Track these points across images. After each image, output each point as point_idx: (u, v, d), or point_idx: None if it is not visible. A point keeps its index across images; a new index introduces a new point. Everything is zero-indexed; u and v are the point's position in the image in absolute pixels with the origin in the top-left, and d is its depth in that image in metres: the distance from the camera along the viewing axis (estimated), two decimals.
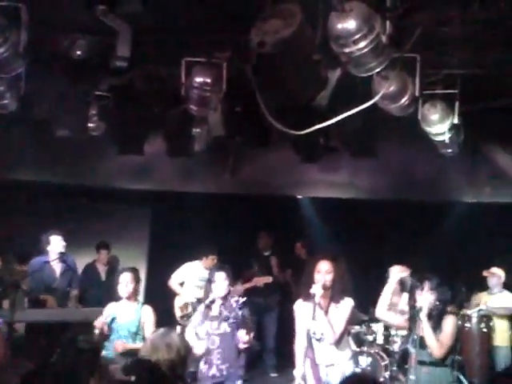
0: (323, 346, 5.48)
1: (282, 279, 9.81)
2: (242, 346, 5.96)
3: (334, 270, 5.47)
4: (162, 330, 3.79)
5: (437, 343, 5.21)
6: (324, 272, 5.44)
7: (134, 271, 6.28)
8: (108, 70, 4.74)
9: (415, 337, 5.33)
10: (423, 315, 5.25)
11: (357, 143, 6.64)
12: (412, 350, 5.42)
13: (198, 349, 6.00)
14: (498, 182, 7.64)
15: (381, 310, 5.77)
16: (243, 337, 5.90)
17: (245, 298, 6.24)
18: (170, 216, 9.44)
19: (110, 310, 6.20)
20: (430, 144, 6.40)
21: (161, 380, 3.34)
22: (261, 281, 9.00)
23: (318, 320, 5.33)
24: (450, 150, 6.55)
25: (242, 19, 4.55)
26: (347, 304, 5.53)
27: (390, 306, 8.47)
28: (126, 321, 6.09)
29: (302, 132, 4.47)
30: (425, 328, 5.23)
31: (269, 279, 9.03)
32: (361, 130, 6.06)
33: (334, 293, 5.51)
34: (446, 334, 5.27)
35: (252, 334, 6.14)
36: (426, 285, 5.35)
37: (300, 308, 5.58)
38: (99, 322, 6.01)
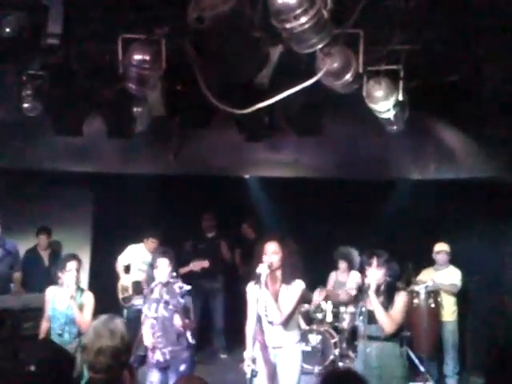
0: (272, 328, 5.48)
1: (230, 260, 9.74)
2: (179, 325, 5.94)
3: (281, 251, 5.45)
4: (104, 316, 3.64)
5: (388, 319, 5.23)
6: (271, 252, 5.43)
7: (79, 259, 6.28)
8: (40, 48, 4.50)
9: (363, 310, 5.36)
10: (371, 292, 5.26)
11: (301, 121, 6.56)
12: (360, 324, 5.45)
13: (146, 339, 5.95)
14: (443, 158, 7.67)
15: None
16: (177, 322, 5.88)
17: (189, 287, 6.16)
18: (112, 198, 9.23)
19: (51, 294, 6.22)
20: (375, 121, 6.35)
21: (67, 364, 3.19)
22: (198, 265, 8.87)
23: (266, 301, 5.29)
24: (395, 127, 6.52)
25: None
26: (298, 286, 5.51)
27: (336, 284, 8.59)
28: (64, 307, 6.09)
29: (245, 111, 4.34)
30: (374, 304, 5.26)
31: (206, 263, 8.88)
32: (305, 108, 5.97)
33: (285, 274, 5.49)
34: (398, 309, 5.29)
35: (188, 320, 6.09)
36: (375, 261, 5.37)
37: (251, 290, 5.52)
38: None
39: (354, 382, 3.49)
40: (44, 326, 6.25)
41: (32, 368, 2.94)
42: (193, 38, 4.00)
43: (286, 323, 5.47)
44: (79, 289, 6.18)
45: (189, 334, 6.02)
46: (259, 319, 5.31)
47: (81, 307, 6.07)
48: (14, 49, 4.40)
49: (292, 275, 5.49)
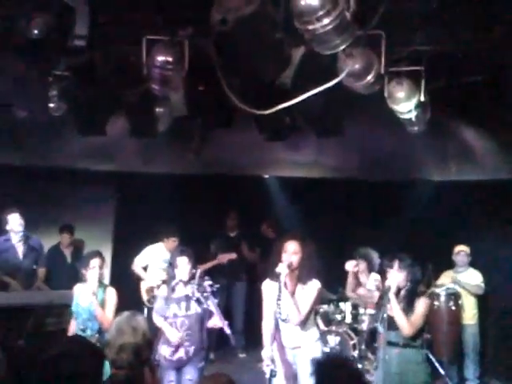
0: (289, 328, 5.48)
1: (252, 259, 9.78)
2: (212, 325, 5.94)
3: (301, 251, 5.45)
4: (127, 313, 3.69)
5: (407, 323, 5.19)
6: (291, 252, 5.42)
7: (102, 256, 6.32)
8: (67, 49, 4.58)
9: (384, 315, 5.31)
10: (391, 294, 5.23)
11: (322, 122, 6.57)
12: (381, 329, 5.41)
13: (172, 336, 5.96)
14: (464, 159, 7.65)
15: (348, 291, 5.74)
16: (217, 323, 5.88)
17: (218, 285, 6.17)
18: (134, 197, 9.31)
19: (77, 291, 6.26)
20: (396, 122, 6.35)
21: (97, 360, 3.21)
22: (225, 257, 8.93)
23: (284, 300, 5.32)
24: (416, 128, 6.51)
25: None
26: (314, 286, 5.51)
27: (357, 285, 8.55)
28: (87, 304, 6.13)
29: (267, 112, 4.37)
30: (394, 307, 5.21)
31: (233, 255, 8.94)
32: (326, 109, 6.00)
33: (301, 274, 5.49)
34: (417, 315, 5.25)
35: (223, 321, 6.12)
36: (396, 264, 5.33)
37: (267, 288, 5.55)
38: None
39: (348, 372, 3.49)
40: (72, 322, 6.31)
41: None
42: (215, 39, 4.03)
43: (304, 323, 5.48)
44: (102, 285, 6.22)
45: (227, 328, 5.96)
46: (276, 318, 5.34)
47: (103, 304, 6.09)
48: (41, 50, 4.47)
49: (309, 275, 5.50)
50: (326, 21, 3.78)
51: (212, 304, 5.88)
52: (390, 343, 5.29)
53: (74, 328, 6.24)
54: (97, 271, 6.11)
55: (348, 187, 9.06)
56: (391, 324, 5.26)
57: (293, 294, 5.45)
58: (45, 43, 4.29)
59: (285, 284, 5.29)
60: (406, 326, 5.18)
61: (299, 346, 5.50)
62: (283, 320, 5.42)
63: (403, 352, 5.26)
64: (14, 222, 7.67)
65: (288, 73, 4.86)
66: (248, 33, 3.90)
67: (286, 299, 5.34)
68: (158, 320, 6.14)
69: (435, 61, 5.54)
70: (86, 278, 6.14)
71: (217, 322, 5.91)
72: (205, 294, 5.91)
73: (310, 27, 3.81)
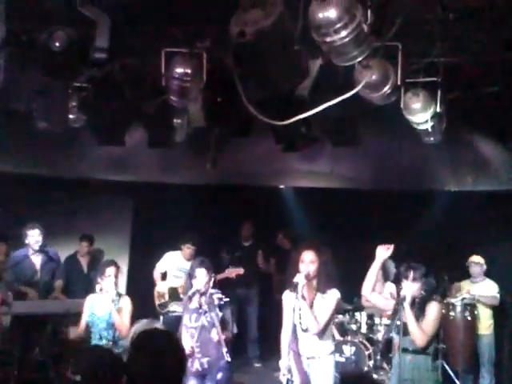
0: (307, 337, 5.47)
1: (266, 270, 9.81)
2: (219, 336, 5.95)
3: (317, 260, 5.45)
4: (146, 320, 3.74)
5: (419, 331, 5.19)
6: (308, 262, 5.43)
7: (117, 265, 6.39)
8: (87, 61, 4.66)
9: (398, 323, 5.32)
10: (406, 304, 5.24)
11: (338, 132, 6.61)
12: (395, 336, 5.43)
13: (185, 344, 5.99)
14: (480, 170, 7.66)
15: (366, 289, 5.70)
16: (214, 336, 5.90)
17: (227, 299, 6.20)
18: (151, 207, 9.40)
19: (90, 302, 6.34)
20: (412, 133, 6.37)
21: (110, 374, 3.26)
22: (233, 272, 8.95)
23: (302, 310, 5.34)
24: (432, 139, 6.52)
25: (221, 8, 4.51)
26: (333, 295, 5.51)
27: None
28: (104, 313, 6.21)
29: (284, 122, 4.42)
30: (408, 316, 5.22)
31: (240, 271, 8.96)
32: (342, 119, 6.03)
33: (320, 283, 5.49)
34: (429, 321, 5.25)
35: (228, 333, 6.13)
36: (411, 274, 5.33)
37: (286, 299, 5.56)
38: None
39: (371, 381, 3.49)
40: (78, 332, 6.39)
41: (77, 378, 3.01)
42: (234, 50, 4.08)
43: (322, 333, 5.46)
44: (117, 294, 6.29)
45: (225, 351, 5.98)
46: (294, 328, 5.34)
47: (119, 311, 6.16)
48: (63, 62, 4.55)
49: (327, 284, 5.49)
50: (343, 33, 3.81)
51: (215, 317, 5.91)
52: (404, 349, 5.31)
53: (78, 337, 6.35)
54: (112, 279, 6.20)
55: (363, 197, 9.06)
56: (406, 331, 5.26)
57: (311, 304, 5.44)
58: (66, 55, 4.35)
59: (302, 296, 5.28)
60: (419, 334, 5.19)
61: (314, 356, 5.49)
62: (303, 330, 5.43)
63: (415, 358, 5.28)
64: (34, 237, 7.79)
65: (306, 84, 4.91)
66: (266, 44, 3.94)
67: (305, 310, 5.34)
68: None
69: (451, 72, 5.55)
70: (101, 286, 6.23)
71: (214, 335, 5.93)
72: (210, 307, 5.95)
73: (328, 39, 3.84)
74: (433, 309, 5.30)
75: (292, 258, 5.57)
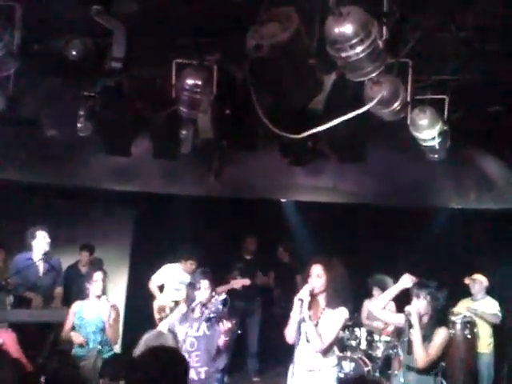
0: (309, 350, 5.35)
1: (264, 284, 9.77)
2: (222, 340, 5.93)
3: (325, 275, 5.32)
4: (155, 330, 3.76)
5: (423, 353, 5.12)
6: (315, 276, 5.33)
7: (104, 270, 6.70)
8: (103, 70, 4.68)
9: (405, 339, 5.29)
10: (414, 321, 5.21)
11: (346, 148, 6.62)
12: (400, 353, 5.40)
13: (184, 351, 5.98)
14: (483, 188, 7.69)
15: (377, 307, 5.67)
16: (225, 325, 5.86)
17: (225, 296, 6.21)
18: (153, 218, 9.38)
19: (78, 306, 6.56)
20: (416, 149, 6.40)
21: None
22: (238, 283, 8.92)
23: (307, 328, 5.25)
24: (436, 156, 6.56)
25: (232, 21, 4.55)
26: (340, 314, 5.33)
27: (370, 312, 8.51)
28: (93, 317, 6.39)
29: (299, 136, 4.44)
30: (415, 335, 5.17)
31: (246, 282, 8.95)
32: (351, 135, 6.05)
33: (327, 299, 5.36)
34: (435, 345, 5.17)
35: (232, 323, 6.13)
36: (422, 292, 5.30)
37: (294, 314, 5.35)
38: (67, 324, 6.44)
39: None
40: (64, 337, 6.53)
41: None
42: (250, 63, 4.11)
43: (327, 350, 5.35)
44: (105, 299, 6.47)
45: (224, 356, 5.99)
46: (298, 340, 5.24)
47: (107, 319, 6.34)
48: (78, 71, 4.56)
49: (334, 301, 5.32)
50: (359, 48, 3.86)
51: (217, 312, 5.94)
52: (408, 367, 5.28)
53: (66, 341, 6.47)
54: (100, 284, 6.45)
55: (366, 213, 9.09)
56: (410, 348, 5.22)
57: (317, 321, 5.32)
58: (82, 64, 4.37)
59: (309, 316, 5.19)
60: (422, 356, 5.11)
61: (314, 369, 5.38)
62: (307, 341, 5.32)
63: (418, 378, 5.22)
64: (41, 239, 7.69)
65: (320, 98, 4.94)
66: (282, 58, 3.97)
67: (310, 328, 5.23)
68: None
69: (457, 89, 5.60)
70: (90, 291, 6.47)
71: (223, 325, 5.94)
72: (211, 308, 5.96)
73: (343, 54, 3.89)
74: (441, 334, 5.23)
75: (305, 273, 5.47)
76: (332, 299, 5.35)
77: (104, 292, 6.50)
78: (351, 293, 5.50)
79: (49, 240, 7.72)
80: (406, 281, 5.49)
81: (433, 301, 5.28)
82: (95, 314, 6.40)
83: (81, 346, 6.35)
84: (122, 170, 8.02)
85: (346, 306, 5.37)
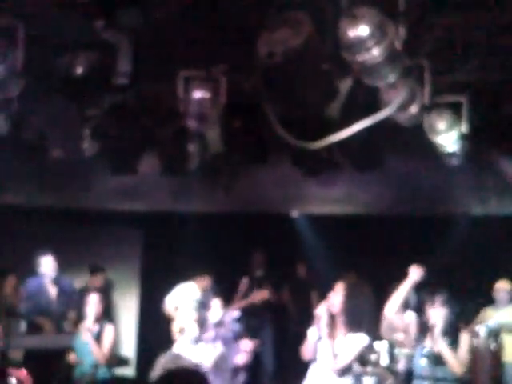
0: (325, 369, 5.03)
1: (276, 301, 9.54)
2: (242, 358, 5.80)
3: (343, 291, 5.03)
4: (171, 353, 3.60)
5: (457, 361, 5.06)
6: (335, 293, 5.05)
7: (100, 293, 6.86)
8: (108, 86, 4.53)
9: (425, 351, 5.19)
10: (438, 331, 5.06)
11: (362, 155, 6.41)
12: (424, 366, 5.24)
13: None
14: (504, 193, 7.51)
15: (391, 309, 5.51)
16: (246, 345, 5.77)
17: (238, 313, 6.13)
18: (162, 237, 9.26)
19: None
20: (434, 155, 6.22)
21: None
22: (257, 297, 8.75)
23: (323, 346, 4.99)
24: (455, 161, 6.36)
25: (239, 31, 4.40)
26: (358, 342, 4.97)
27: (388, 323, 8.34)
28: (86, 339, 6.47)
29: (317, 145, 4.25)
30: (441, 346, 5.07)
31: (265, 294, 8.77)
32: (367, 143, 5.84)
33: (344, 320, 5.01)
34: (464, 350, 5.20)
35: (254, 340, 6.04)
36: (438, 299, 5.18)
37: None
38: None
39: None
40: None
41: None
42: (262, 71, 3.93)
43: (342, 371, 5.00)
44: (102, 321, 6.63)
45: (243, 374, 5.89)
46: (314, 358, 5.04)
47: (99, 339, 6.43)
48: (84, 89, 4.43)
49: (351, 325, 4.94)
50: (375, 51, 3.69)
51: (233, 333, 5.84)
52: (438, 380, 5.13)
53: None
54: (92, 308, 6.55)
55: (384, 223, 8.88)
56: (437, 360, 5.14)
57: (334, 341, 4.97)
58: (88, 81, 4.24)
59: (327, 334, 4.91)
60: (458, 364, 5.06)
61: None
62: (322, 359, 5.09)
63: None
64: (47, 264, 7.67)
65: (335, 105, 4.76)
66: (295, 64, 3.79)
67: (326, 346, 4.94)
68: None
69: (476, 92, 5.43)
70: (85, 314, 6.58)
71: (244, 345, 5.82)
72: (226, 329, 5.89)
73: (359, 58, 3.71)
74: (465, 339, 5.28)
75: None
76: (347, 323, 4.99)
77: (98, 314, 6.57)
78: (376, 316, 5.25)
79: (55, 264, 7.68)
80: (415, 273, 5.54)
81: (452, 308, 5.27)
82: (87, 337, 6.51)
83: (80, 365, 6.51)
84: (128, 189, 7.91)
85: (367, 331, 5.02)
